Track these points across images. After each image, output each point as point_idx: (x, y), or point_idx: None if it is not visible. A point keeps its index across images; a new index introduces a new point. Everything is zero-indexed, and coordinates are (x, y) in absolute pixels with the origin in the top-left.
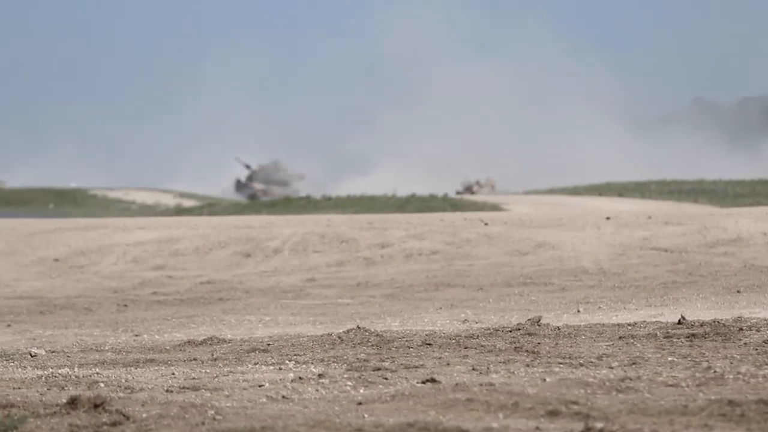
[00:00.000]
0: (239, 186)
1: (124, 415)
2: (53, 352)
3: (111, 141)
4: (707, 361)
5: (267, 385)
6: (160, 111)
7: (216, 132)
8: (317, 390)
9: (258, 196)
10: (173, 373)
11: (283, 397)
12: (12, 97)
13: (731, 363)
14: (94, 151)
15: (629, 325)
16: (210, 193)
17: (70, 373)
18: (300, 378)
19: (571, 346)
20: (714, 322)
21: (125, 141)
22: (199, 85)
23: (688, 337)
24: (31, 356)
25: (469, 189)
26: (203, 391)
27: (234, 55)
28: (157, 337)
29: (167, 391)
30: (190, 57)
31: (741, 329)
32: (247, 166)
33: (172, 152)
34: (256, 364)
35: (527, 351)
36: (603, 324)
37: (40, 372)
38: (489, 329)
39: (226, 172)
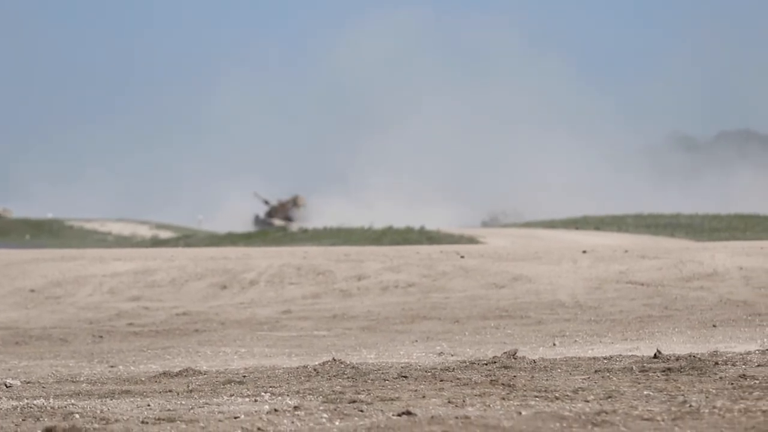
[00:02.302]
0: (258, 222)
1: None
2: (28, 382)
3: (110, 172)
4: (683, 395)
5: (242, 417)
6: (148, 149)
7: (209, 165)
8: (293, 422)
9: None
10: (149, 405)
11: (259, 429)
12: (23, 125)
13: (707, 397)
14: (96, 182)
15: (605, 358)
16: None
17: (45, 404)
18: (275, 410)
19: (546, 380)
20: (690, 356)
21: (125, 173)
22: (196, 119)
23: (664, 371)
24: (6, 387)
25: (495, 219)
26: (179, 422)
27: (223, 89)
28: (132, 368)
29: (143, 422)
30: (191, 92)
31: (717, 363)
32: (266, 202)
33: (169, 186)
34: (231, 395)
35: (503, 384)
36: (579, 357)
37: (15, 403)
38: (465, 362)
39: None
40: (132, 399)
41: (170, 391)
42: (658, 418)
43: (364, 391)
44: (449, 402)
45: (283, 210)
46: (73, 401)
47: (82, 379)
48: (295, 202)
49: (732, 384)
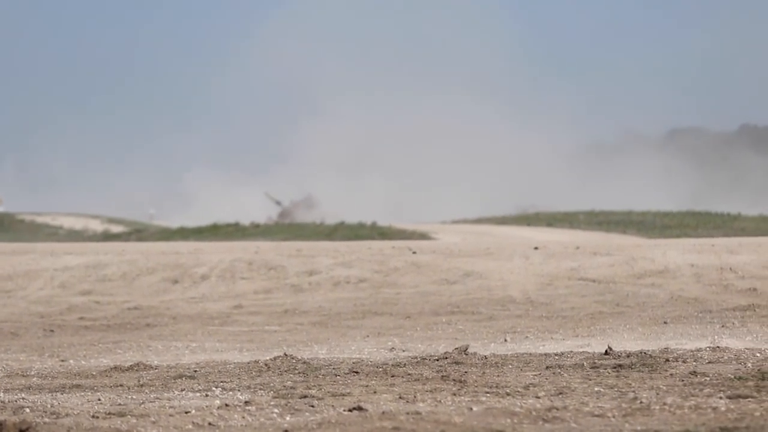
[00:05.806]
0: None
1: None
2: None
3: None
4: (633, 391)
5: (193, 411)
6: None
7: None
8: (243, 417)
9: None
10: (99, 399)
11: (210, 423)
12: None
13: (657, 394)
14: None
15: (556, 355)
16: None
17: None
18: (226, 405)
19: (497, 376)
20: (641, 352)
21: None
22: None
23: (615, 367)
24: None
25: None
26: (129, 417)
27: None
28: (83, 362)
29: (93, 416)
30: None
31: (667, 360)
32: (278, 203)
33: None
34: (182, 390)
35: (454, 380)
36: (530, 354)
37: None
38: (416, 358)
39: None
40: (83, 393)
41: (121, 385)
42: (609, 414)
43: (315, 386)
44: (400, 397)
45: (296, 210)
46: (23, 395)
47: (32, 373)
48: (309, 201)
49: (683, 381)
